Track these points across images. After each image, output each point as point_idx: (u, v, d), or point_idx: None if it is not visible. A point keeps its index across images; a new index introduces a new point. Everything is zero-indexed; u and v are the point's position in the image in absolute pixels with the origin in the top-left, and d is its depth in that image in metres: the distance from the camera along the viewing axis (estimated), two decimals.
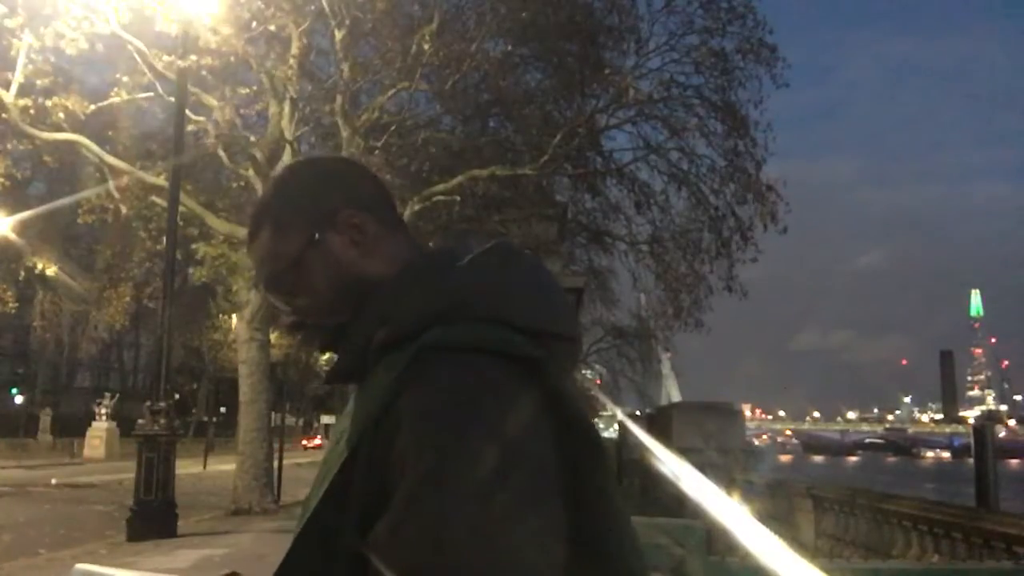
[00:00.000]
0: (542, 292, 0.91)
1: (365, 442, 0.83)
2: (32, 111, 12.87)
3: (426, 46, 13.82)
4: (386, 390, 0.82)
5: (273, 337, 18.03)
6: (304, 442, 49.50)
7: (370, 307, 0.92)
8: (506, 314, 0.85)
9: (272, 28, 13.51)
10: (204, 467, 26.97)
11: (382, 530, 0.75)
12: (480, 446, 0.75)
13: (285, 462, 15.16)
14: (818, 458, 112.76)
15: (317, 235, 0.96)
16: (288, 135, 13.99)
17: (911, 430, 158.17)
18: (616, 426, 32.77)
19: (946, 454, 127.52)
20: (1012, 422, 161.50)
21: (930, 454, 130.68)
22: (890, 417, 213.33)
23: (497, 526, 0.72)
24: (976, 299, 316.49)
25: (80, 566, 1.01)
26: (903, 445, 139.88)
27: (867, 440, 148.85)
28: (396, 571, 0.72)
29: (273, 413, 16.14)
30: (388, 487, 0.78)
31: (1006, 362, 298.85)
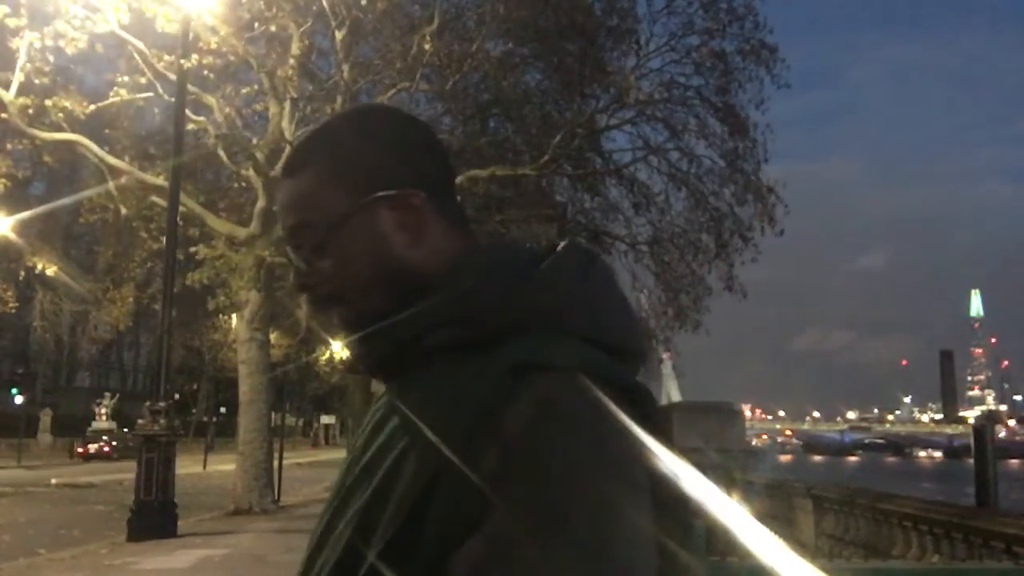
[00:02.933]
0: (625, 305, 0.82)
1: (436, 459, 0.69)
2: (32, 111, 12.87)
3: (426, 46, 13.82)
4: (471, 404, 0.70)
5: (273, 337, 18.04)
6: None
7: (431, 300, 0.78)
8: (598, 330, 0.76)
9: (273, 28, 13.52)
10: (204, 467, 26.98)
11: (464, 568, 0.65)
12: (595, 490, 0.65)
13: (285, 462, 15.16)
14: (818, 458, 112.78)
15: (371, 201, 0.82)
16: (288, 135, 14.00)
17: (904, 431, 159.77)
18: None
19: (938, 453, 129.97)
20: (1012, 422, 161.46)
21: (922, 454, 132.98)
22: (890, 417, 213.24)
23: None
24: (976, 299, 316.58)
25: None
26: (900, 444, 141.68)
27: (867, 440, 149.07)
28: None
29: (273, 413, 16.14)
30: (469, 516, 0.66)
31: (1006, 362, 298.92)
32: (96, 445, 33.83)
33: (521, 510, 0.64)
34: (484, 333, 0.74)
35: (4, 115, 12.70)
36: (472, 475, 0.66)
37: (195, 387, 50.75)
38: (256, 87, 14.73)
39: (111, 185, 14.33)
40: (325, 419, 48.23)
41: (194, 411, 48.33)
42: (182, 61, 11.55)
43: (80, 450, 34.14)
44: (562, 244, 0.83)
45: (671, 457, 0.72)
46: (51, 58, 12.79)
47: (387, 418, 0.80)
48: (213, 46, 12.54)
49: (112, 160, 13.85)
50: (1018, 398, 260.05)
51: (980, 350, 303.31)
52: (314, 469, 26.90)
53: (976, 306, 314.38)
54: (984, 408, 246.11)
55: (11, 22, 11.97)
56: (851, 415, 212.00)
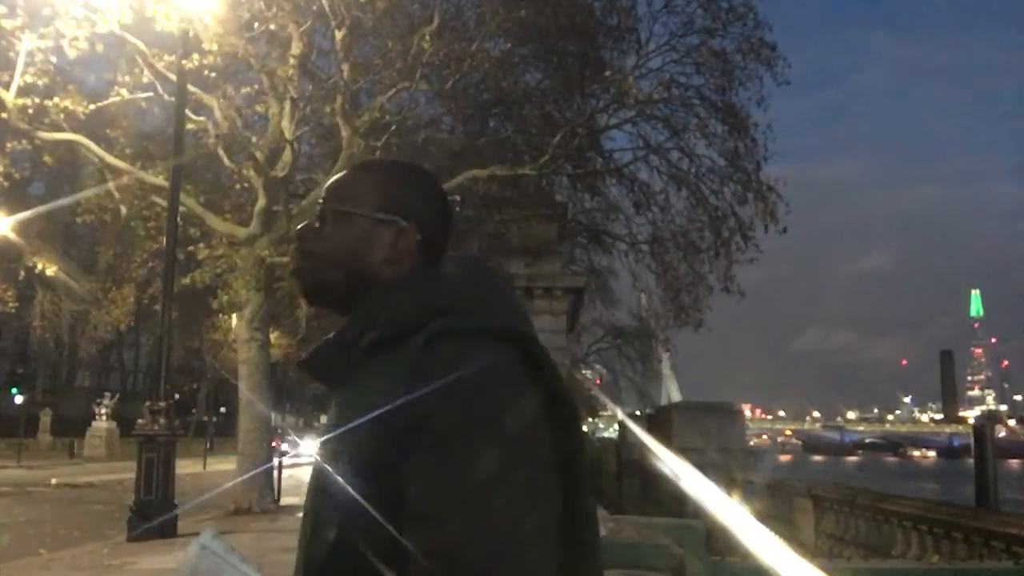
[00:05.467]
0: (505, 297, 1.04)
1: (382, 438, 0.89)
2: (32, 111, 12.86)
3: (426, 46, 13.81)
4: (396, 382, 0.89)
5: (273, 337, 18.04)
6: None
7: (364, 306, 1.03)
8: (483, 316, 0.96)
9: (272, 28, 13.51)
10: (204, 467, 26.98)
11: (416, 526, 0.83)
12: (491, 439, 0.85)
13: (285, 462, 15.16)
14: (818, 458, 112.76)
15: (379, 216, 1.08)
16: (288, 135, 13.99)
17: (903, 430, 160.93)
18: (616, 426, 32.77)
19: (932, 453, 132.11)
20: (1012, 422, 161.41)
21: (916, 453, 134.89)
22: (890, 417, 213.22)
23: (506, 516, 0.83)
24: (976, 299, 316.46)
25: (202, 540, 1.06)
26: (898, 444, 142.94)
27: (867, 440, 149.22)
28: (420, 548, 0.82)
29: (273, 413, 16.15)
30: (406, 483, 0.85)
31: (1006, 362, 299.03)
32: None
33: (435, 476, 0.84)
34: (400, 330, 0.95)
35: (4, 115, 12.70)
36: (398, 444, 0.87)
37: (195, 387, 50.71)
38: (256, 87, 14.72)
39: (111, 185, 14.32)
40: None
41: (194, 411, 48.30)
42: (183, 62, 11.55)
43: None
44: (463, 256, 1.09)
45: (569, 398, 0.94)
46: (52, 58, 12.79)
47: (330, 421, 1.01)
48: (213, 46, 12.53)
49: (112, 160, 13.84)
50: (1018, 398, 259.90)
51: (980, 350, 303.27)
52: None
53: (976, 306, 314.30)
54: (984, 408, 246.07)
55: (7, 23, 11.96)
56: (851, 415, 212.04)
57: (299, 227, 1.12)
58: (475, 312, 0.96)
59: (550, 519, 0.86)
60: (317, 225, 1.10)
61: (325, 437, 0.99)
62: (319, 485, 0.96)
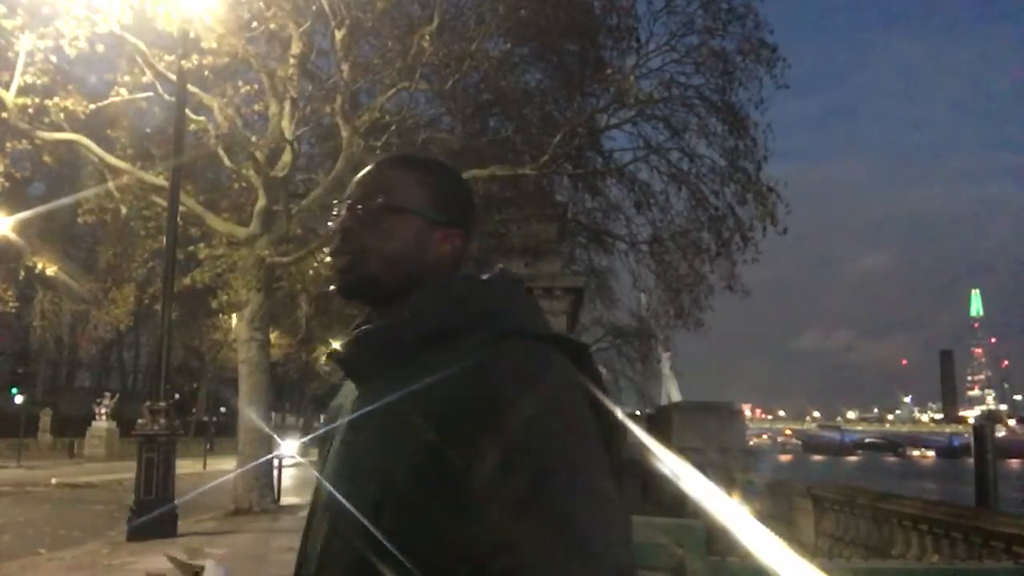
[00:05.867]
0: (542, 313, 1.07)
1: (449, 423, 0.90)
2: (32, 111, 12.86)
3: (426, 46, 13.80)
4: (465, 375, 0.92)
5: (273, 337, 18.04)
6: None
7: (414, 304, 1.03)
8: (529, 325, 1.00)
9: (272, 28, 13.51)
10: (204, 467, 26.98)
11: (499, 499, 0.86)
12: (567, 425, 0.89)
13: (285, 462, 15.16)
14: (818, 458, 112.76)
15: (435, 219, 1.09)
16: (288, 135, 13.99)
17: (904, 430, 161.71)
18: None
19: (931, 453, 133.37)
20: (1012, 422, 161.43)
21: (915, 453, 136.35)
22: (890, 417, 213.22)
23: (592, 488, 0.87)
24: (976, 299, 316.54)
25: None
26: (898, 443, 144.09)
27: (867, 440, 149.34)
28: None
29: (273, 413, 16.15)
30: (476, 460, 0.87)
31: (1006, 362, 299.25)
32: None
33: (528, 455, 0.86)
34: (451, 329, 0.98)
35: (4, 115, 12.69)
36: (465, 432, 0.89)
37: (195, 387, 50.71)
38: (256, 87, 14.72)
39: (111, 185, 14.32)
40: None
41: (194, 411, 48.29)
42: (182, 62, 11.55)
43: None
44: (496, 270, 1.08)
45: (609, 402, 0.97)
46: (53, 58, 12.78)
47: (366, 414, 1.01)
48: (213, 46, 12.53)
49: (112, 160, 13.84)
50: (1018, 398, 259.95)
51: (980, 350, 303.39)
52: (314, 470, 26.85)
53: (976, 306, 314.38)
54: (984, 408, 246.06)
55: (7, 23, 11.96)
56: (851, 415, 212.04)
57: (345, 221, 1.10)
58: (523, 318, 1.00)
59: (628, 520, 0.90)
60: (365, 219, 1.08)
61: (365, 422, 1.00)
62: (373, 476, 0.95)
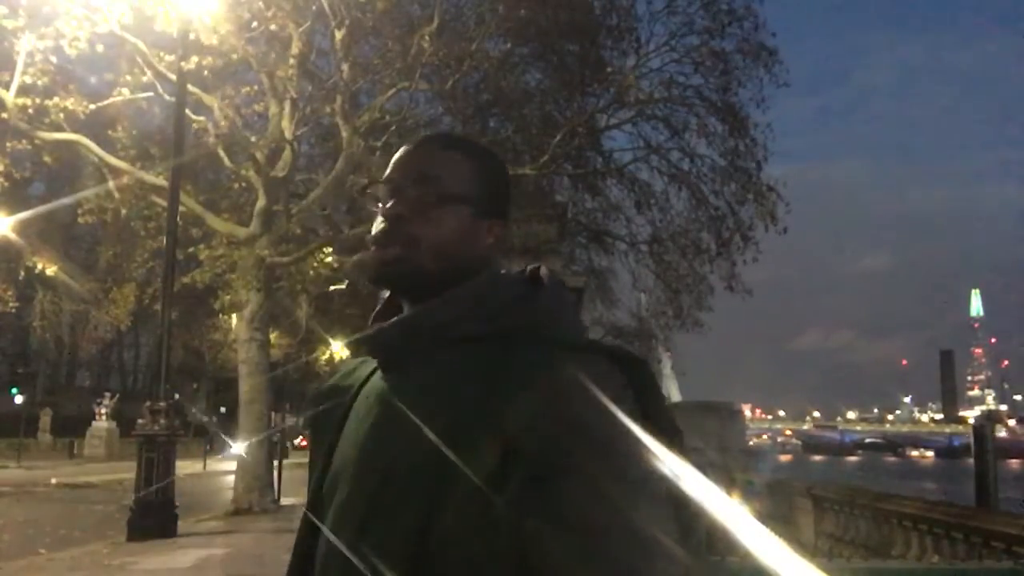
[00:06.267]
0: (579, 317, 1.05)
1: (483, 429, 0.84)
2: (32, 111, 12.86)
3: (426, 46, 13.81)
4: (512, 383, 0.85)
5: (273, 337, 18.03)
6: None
7: (460, 297, 0.97)
8: (575, 334, 0.98)
9: (272, 28, 13.51)
10: (204, 467, 26.98)
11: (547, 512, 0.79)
12: (622, 445, 0.83)
13: (285, 462, 15.17)
14: (818, 458, 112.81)
15: (485, 209, 1.04)
16: (288, 135, 13.99)
17: (904, 430, 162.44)
18: None
19: (929, 453, 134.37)
20: (1012, 422, 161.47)
21: (915, 453, 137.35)
22: (890, 417, 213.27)
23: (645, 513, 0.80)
24: (976, 299, 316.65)
25: None
26: (897, 443, 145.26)
27: (867, 440, 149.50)
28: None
29: (273, 413, 16.15)
30: (510, 469, 0.81)
31: (1006, 362, 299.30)
32: None
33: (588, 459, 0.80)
34: (499, 330, 0.94)
35: (4, 115, 12.69)
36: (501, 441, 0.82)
37: (195, 387, 50.70)
38: (256, 87, 14.73)
39: (111, 185, 14.32)
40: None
41: (194, 410, 48.28)
42: (182, 62, 11.55)
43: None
44: (546, 273, 1.03)
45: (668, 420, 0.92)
46: (53, 58, 12.78)
47: (389, 401, 0.95)
48: (214, 44, 12.53)
49: (112, 160, 13.84)
50: (1018, 398, 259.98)
51: (980, 350, 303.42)
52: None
53: (976, 306, 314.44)
54: (984, 408, 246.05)
55: (8, 23, 11.96)
56: (851, 415, 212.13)
57: (395, 207, 1.01)
58: (575, 328, 0.98)
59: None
60: (416, 207, 1.00)
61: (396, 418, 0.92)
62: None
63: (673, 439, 0.89)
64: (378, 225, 1.02)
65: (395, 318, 1.00)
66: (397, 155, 1.07)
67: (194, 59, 12.10)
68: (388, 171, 1.05)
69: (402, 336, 0.98)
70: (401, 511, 0.87)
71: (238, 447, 13.36)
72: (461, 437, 0.85)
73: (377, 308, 1.06)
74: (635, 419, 0.84)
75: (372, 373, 1.05)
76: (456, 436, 0.85)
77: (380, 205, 1.04)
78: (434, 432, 0.87)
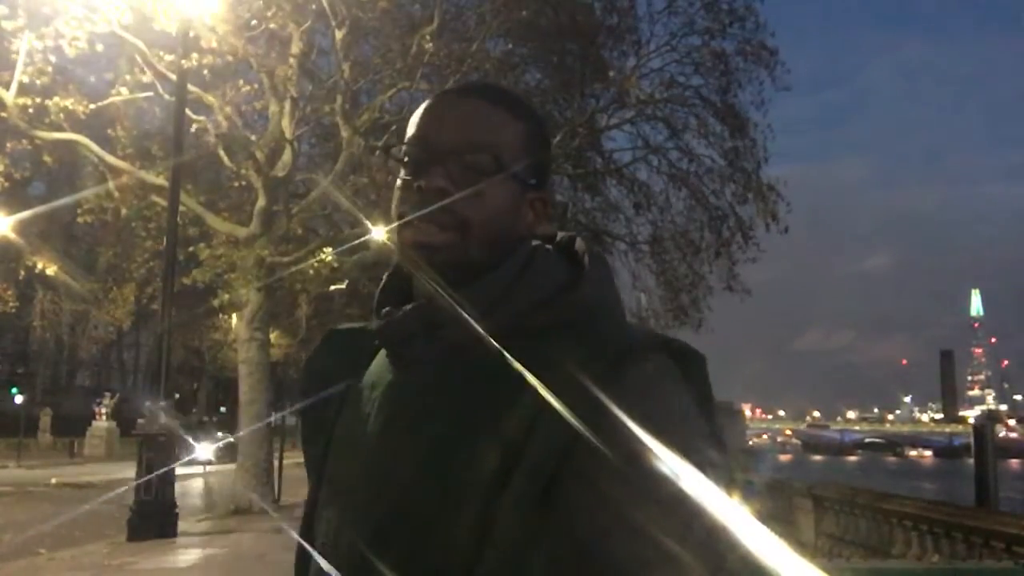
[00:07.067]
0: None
1: (544, 427, 0.74)
2: (32, 111, 12.85)
3: (426, 46, 13.82)
4: (576, 382, 0.74)
5: (273, 337, 18.03)
6: None
7: (496, 286, 0.85)
8: (620, 317, 0.89)
9: (272, 28, 13.51)
10: (204, 467, 26.96)
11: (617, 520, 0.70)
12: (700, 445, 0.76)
13: (285, 462, 15.17)
14: (818, 458, 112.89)
15: (533, 183, 0.89)
16: (288, 134, 13.99)
17: (904, 430, 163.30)
18: None
19: (928, 453, 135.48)
20: (1012, 422, 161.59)
21: (913, 453, 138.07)
22: (890, 417, 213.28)
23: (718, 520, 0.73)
24: (976, 299, 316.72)
25: None
26: (896, 443, 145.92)
27: (867, 440, 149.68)
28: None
29: (273, 413, 16.14)
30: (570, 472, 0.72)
31: (1006, 362, 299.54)
32: None
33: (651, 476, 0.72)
34: (535, 325, 0.82)
35: (4, 115, 12.69)
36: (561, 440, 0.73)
37: (195, 387, 50.72)
38: (256, 87, 14.72)
39: (111, 185, 14.31)
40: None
41: (194, 411, 48.31)
42: (182, 61, 11.55)
43: None
44: (585, 248, 0.91)
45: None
46: (52, 58, 12.78)
47: (401, 405, 0.84)
48: (213, 45, 12.53)
49: (112, 160, 13.84)
50: (1018, 398, 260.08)
51: (980, 350, 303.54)
52: None
53: (976, 306, 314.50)
54: (984, 408, 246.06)
55: (7, 24, 11.95)
56: (851, 415, 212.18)
57: (438, 179, 0.83)
58: (618, 318, 0.87)
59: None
60: (462, 180, 0.84)
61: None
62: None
63: (718, 442, 0.82)
64: (409, 198, 0.85)
65: (412, 306, 0.86)
66: (432, 107, 0.89)
67: (194, 56, 12.09)
68: (421, 126, 0.87)
69: (424, 328, 0.84)
70: (437, 542, 0.75)
71: (204, 452, 12.33)
72: (490, 452, 0.75)
73: (383, 282, 0.93)
74: (697, 416, 0.78)
75: (375, 356, 0.92)
76: (484, 450, 0.75)
77: (408, 170, 0.87)
78: (455, 445, 0.77)
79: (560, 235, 0.93)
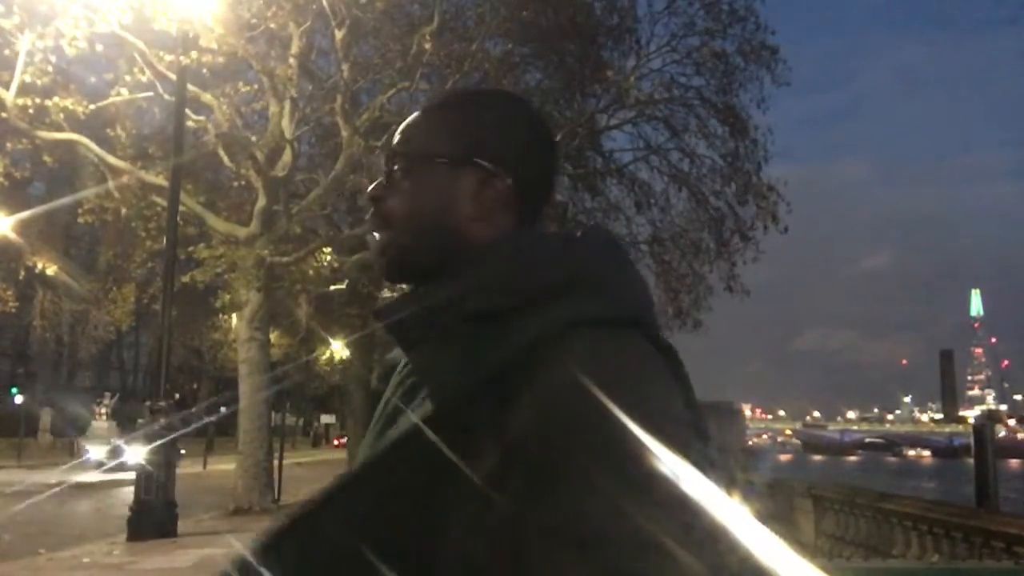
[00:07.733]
0: (643, 284, 0.85)
1: (474, 410, 0.71)
2: (32, 111, 12.86)
3: (426, 46, 13.81)
4: (510, 362, 0.70)
5: (273, 337, 18.03)
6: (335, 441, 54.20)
7: (471, 270, 0.81)
8: (620, 302, 0.78)
9: (272, 28, 13.51)
10: (204, 467, 26.98)
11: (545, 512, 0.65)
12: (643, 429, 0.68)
13: (285, 461, 15.18)
14: (818, 458, 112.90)
15: (463, 158, 0.86)
16: (288, 134, 13.99)
17: (904, 430, 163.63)
18: None
19: (926, 453, 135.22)
20: (1012, 422, 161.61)
21: (912, 453, 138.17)
22: (890, 417, 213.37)
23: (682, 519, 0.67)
24: (976, 299, 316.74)
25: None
26: (895, 443, 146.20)
27: (867, 440, 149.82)
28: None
29: (273, 413, 16.15)
30: (512, 460, 0.67)
31: (1006, 362, 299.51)
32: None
33: (587, 459, 0.66)
34: (519, 301, 0.75)
35: (4, 115, 12.69)
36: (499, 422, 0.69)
37: (195, 387, 50.72)
38: (256, 87, 14.73)
39: (111, 185, 14.32)
40: (325, 419, 48.29)
41: (194, 410, 48.29)
42: (182, 60, 11.55)
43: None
44: (589, 228, 0.85)
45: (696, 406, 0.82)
46: (52, 58, 12.78)
47: (416, 385, 0.81)
48: (213, 45, 12.53)
49: (112, 160, 13.84)
50: (1018, 398, 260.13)
51: (980, 350, 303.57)
52: (314, 469, 26.90)
53: (976, 306, 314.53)
54: (984, 408, 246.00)
55: (6, 23, 11.95)
56: (851, 415, 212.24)
57: (373, 190, 0.89)
58: (602, 290, 0.77)
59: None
60: (391, 183, 0.88)
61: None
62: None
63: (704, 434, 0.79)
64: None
65: (399, 297, 0.87)
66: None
67: (194, 54, 12.08)
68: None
69: (410, 311, 0.82)
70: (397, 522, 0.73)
71: (135, 455, 10.84)
72: (459, 435, 0.71)
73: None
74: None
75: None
76: (452, 432, 0.71)
77: None
78: (422, 426, 0.73)
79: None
